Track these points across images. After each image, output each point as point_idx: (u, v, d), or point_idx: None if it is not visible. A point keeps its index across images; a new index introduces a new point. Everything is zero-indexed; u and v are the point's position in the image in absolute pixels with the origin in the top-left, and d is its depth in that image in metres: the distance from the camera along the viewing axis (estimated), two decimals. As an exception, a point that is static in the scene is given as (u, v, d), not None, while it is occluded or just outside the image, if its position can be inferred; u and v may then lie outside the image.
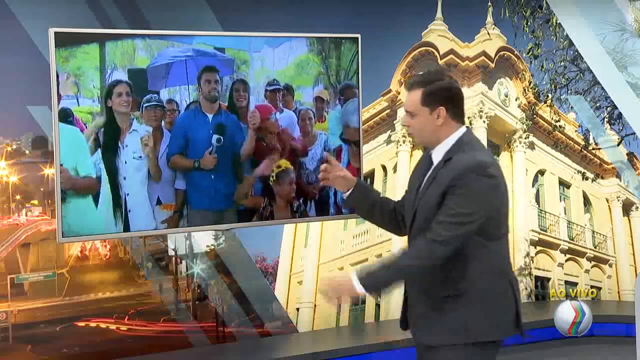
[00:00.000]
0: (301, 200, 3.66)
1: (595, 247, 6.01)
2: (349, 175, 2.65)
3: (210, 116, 3.47)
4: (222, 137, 3.47)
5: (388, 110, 5.52)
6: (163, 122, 3.35)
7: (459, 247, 2.21)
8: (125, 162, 3.35)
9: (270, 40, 3.60)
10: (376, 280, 2.25)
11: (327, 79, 3.71)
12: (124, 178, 3.33)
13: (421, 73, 2.42)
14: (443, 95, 2.29)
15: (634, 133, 5.71)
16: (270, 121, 3.55)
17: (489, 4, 5.70)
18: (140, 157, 3.27)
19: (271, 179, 3.55)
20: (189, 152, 3.41)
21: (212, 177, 3.41)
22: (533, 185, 5.97)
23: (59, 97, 3.11)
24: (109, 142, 3.29)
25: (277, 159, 3.60)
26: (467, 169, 2.21)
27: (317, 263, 5.30)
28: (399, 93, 5.49)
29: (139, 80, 3.27)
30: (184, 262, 4.79)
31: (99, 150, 3.26)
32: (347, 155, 3.79)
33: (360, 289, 2.21)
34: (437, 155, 2.34)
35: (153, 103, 3.35)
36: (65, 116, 3.16)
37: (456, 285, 2.25)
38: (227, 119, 3.40)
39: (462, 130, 2.33)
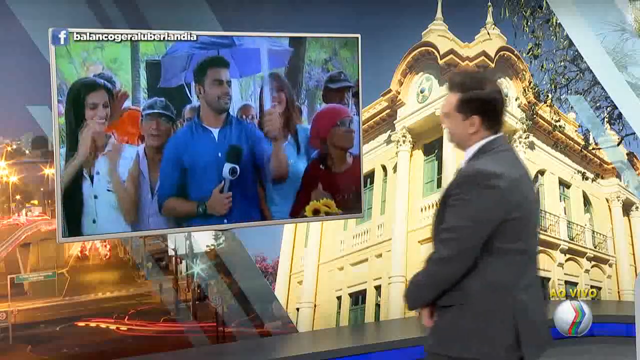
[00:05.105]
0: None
1: (595, 247, 6.00)
2: None
3: (215, 131, 2.51)
4: (237, 167, 2.51)
5: (388, 110, 5.51)
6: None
7: (468, 261, 2.12)
8: (96, 197, 2.49)
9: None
10: (408, 302, 2.32)
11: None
12: (93, 221, 2.51)
13: (465, 74, 2.28)
14: (479, 106, 2.20)
15: (634, 133, 5.70)
16: (339, 130, 2.68)
17: (489, 4, 5.69)
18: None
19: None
20: (189, 188, 2.51)
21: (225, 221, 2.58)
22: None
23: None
24: (70, 168, 2.45)
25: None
26: (463, 179, 2.16)
27: (317, 263, 5.29)
28: (399, 93, 5.50)
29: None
30: (184, 262, 4.78)
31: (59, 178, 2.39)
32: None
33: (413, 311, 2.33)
34: (463, 162, 2.28)
35: (157, 110, 2.43)
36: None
37: (452, 296, 2.18)
38: (242, 133, 2.51)
39: (489, 138, 2.22)
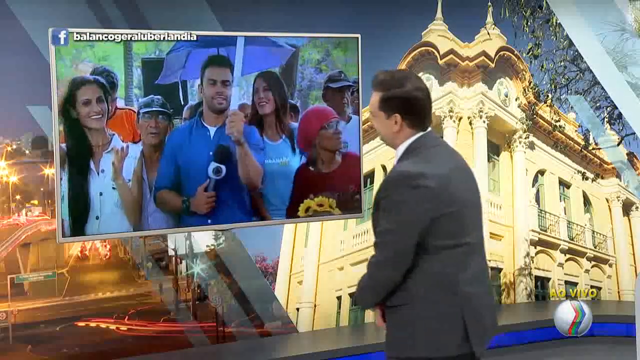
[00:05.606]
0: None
1: (595, 247, 6.01)
2: None
3: (212, 130, 2.53)
4: (223, 167, 2.51)
5: (388, 110, 5.51)
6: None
7: (405, 262, 2.12)
8: (101, 195, 2.51)
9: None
10: (359, 304, 2.30)
11: None
12: (97, 217, 2.52)
13: (387, 72, 2.29)
14: (398, 104, 2.22)
15: (634, 133, 5.70)
16: (327, 133, 2.72)
17: (489, 4, 5.70)
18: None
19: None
20: (182, 184, 2.50)
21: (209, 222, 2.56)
22: (533, 185, 5.97)
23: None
24: (75, 166, 2.46)
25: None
26: (391, 181, 2.16)
27: (317, 263, 5.29)
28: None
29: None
30: (184, 262, 4.79)
31: (65, 176, 2.40)
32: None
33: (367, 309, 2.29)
34: (394, 162, 2.28)
35: (155, 109, 2.43)
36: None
37: (398, 297, 2.18)
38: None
39: (415, 136, 2.22)
